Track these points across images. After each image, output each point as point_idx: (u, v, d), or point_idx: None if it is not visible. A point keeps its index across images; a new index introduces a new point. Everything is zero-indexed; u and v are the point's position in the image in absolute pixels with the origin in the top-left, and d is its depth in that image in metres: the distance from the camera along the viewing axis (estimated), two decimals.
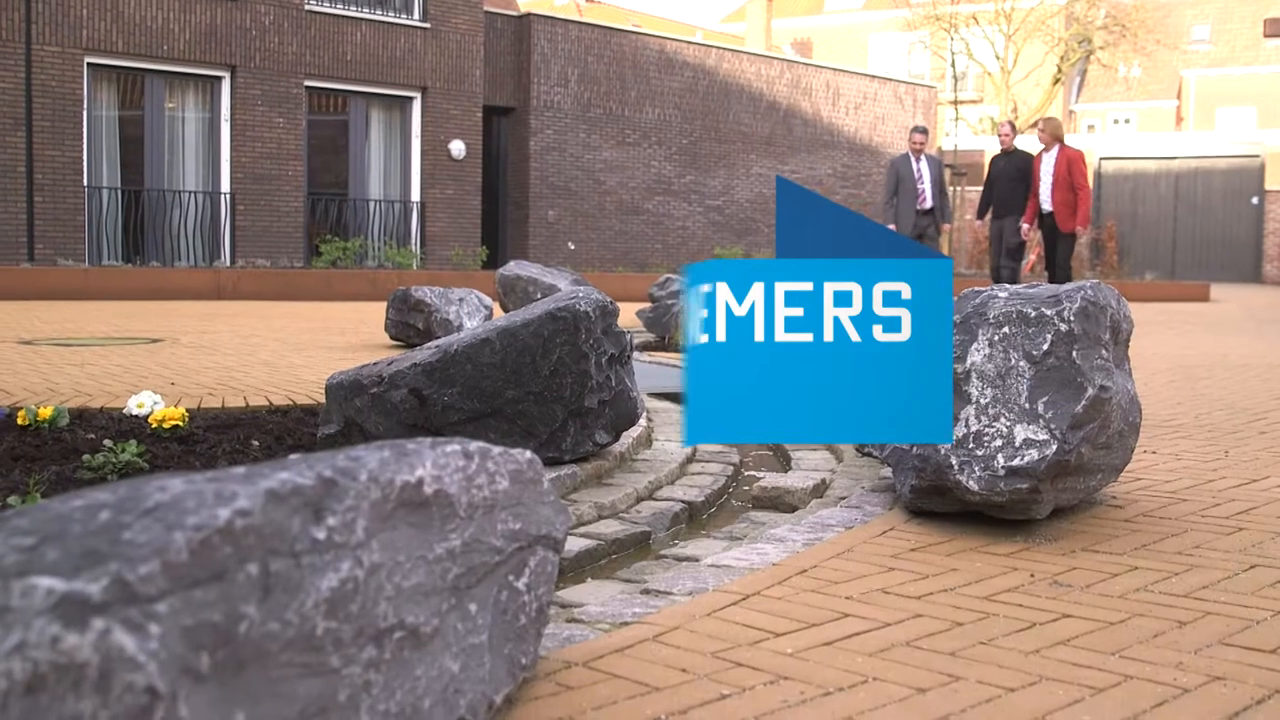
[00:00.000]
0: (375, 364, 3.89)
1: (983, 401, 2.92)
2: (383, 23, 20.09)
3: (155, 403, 4.46)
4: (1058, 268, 12.45)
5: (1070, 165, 12.24)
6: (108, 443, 3.71)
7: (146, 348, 7.61)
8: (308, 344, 8.13)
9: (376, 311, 11.86)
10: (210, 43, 18.30)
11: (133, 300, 14.35)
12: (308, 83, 19.34)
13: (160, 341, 8.13)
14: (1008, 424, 2.88)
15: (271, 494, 1.22)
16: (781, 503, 3.78)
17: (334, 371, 6.00)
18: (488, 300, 8.26)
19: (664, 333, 9.55)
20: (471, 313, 7.84)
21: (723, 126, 25.29)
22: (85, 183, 17.45)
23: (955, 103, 33.01)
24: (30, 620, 1.04)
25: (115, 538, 1.10)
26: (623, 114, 23.69)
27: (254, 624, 1.17)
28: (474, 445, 1.62)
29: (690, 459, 4.52)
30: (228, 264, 18.24)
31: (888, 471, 3.85)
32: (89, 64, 17.48)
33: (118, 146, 18.15)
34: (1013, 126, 13.33)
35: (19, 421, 4.22)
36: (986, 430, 2.90)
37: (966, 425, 2.93)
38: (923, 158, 13.49)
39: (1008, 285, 3.15)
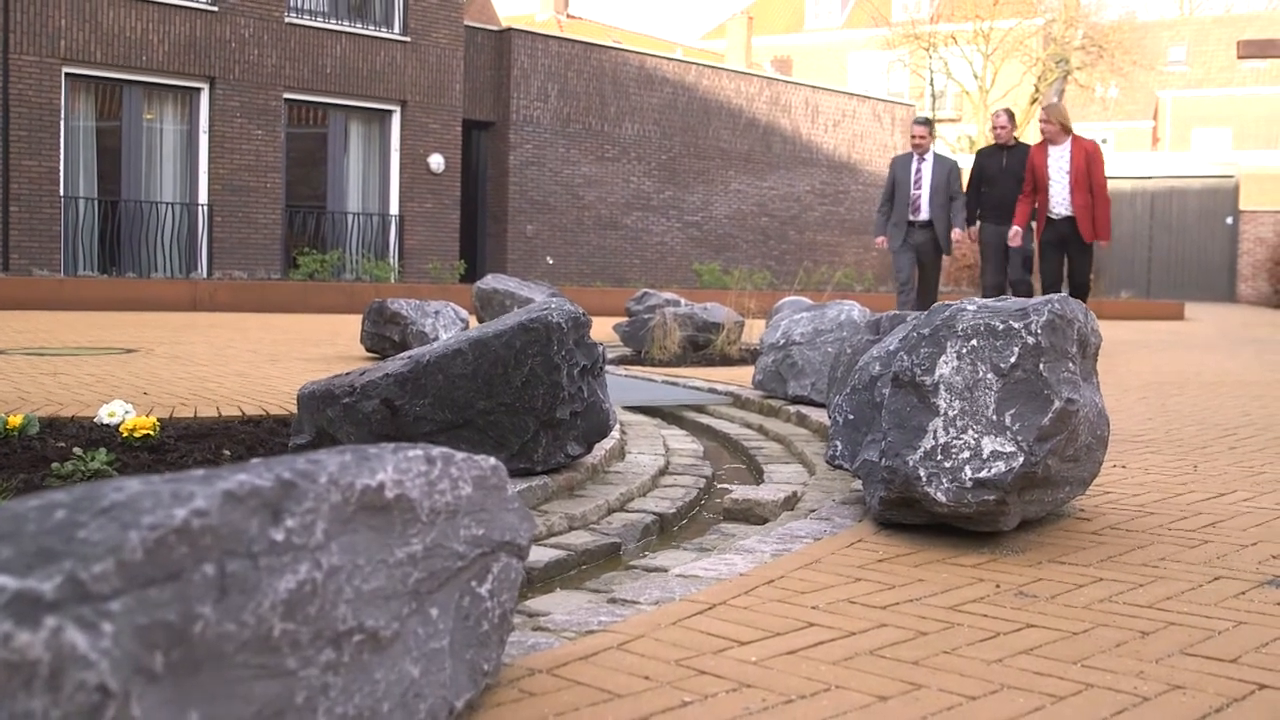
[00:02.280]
0: (347, 374, 3.89)
1: (950, 414, 2.94)
2: (363, 36, 20.09)
3: (126, 412, 4.44)
4: (1076, 287, 10.42)
5: (1090, 161, 10.18)
6: (77, 451, 3.70)
7: (120, 358, 7.58)
8: (283, 355, 8.11)
9: (353, 324, 11.85)
10: (189, 54, 18.27)
11: (108, 311, 14.30)
12: (287, 95, 19.32)
13: (134, 352, 8.10)
14: (975, 436, 2.90)
15: (229, 495, 1.23)
16: (752, 515, 3.79)
17: (308, 381, 5.99)
18: (464, 313, 8.25)
19: (640, 347, 9.56)
20: (448, 325, 7.83)
21: (702, 143, 25.35)
22: (62, 193, 17.39)
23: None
24: None
25: (70, 536, 1.10)
26: (602, 129, 23.72)
27: (210, 624, 1.17)
28: (436, 450, 1.63)
29: (663, 471, 4.53)
30: (204, 276, 18.18)
31: (857, 484, 3.87)
32: (67, 74, 17.43)
33: (95, 157, 18.09)
34: (1011, 116, 11.38)
35: None
36: (954, 442, 2.92)
37: (934, 437, 2.94)
38: (927, 158, 11.31)
39: (977, 300, 3.17)
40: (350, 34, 19.94)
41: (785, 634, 2.19)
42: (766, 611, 2.34)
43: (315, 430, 3.89)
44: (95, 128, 18.11)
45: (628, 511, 3.82)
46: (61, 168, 17.38)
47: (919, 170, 11.25)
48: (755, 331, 11.09)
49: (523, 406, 3.68)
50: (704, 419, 6.31)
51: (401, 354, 3.91)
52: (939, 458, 2.93)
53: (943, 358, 2.98)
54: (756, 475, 4.80)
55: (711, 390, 7.06)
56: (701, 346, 9.59)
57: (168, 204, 18.44)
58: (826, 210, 28.14)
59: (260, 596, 1.24)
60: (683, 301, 10.97)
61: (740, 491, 4.01)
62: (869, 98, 30.01)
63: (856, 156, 28.88)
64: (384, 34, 20.43)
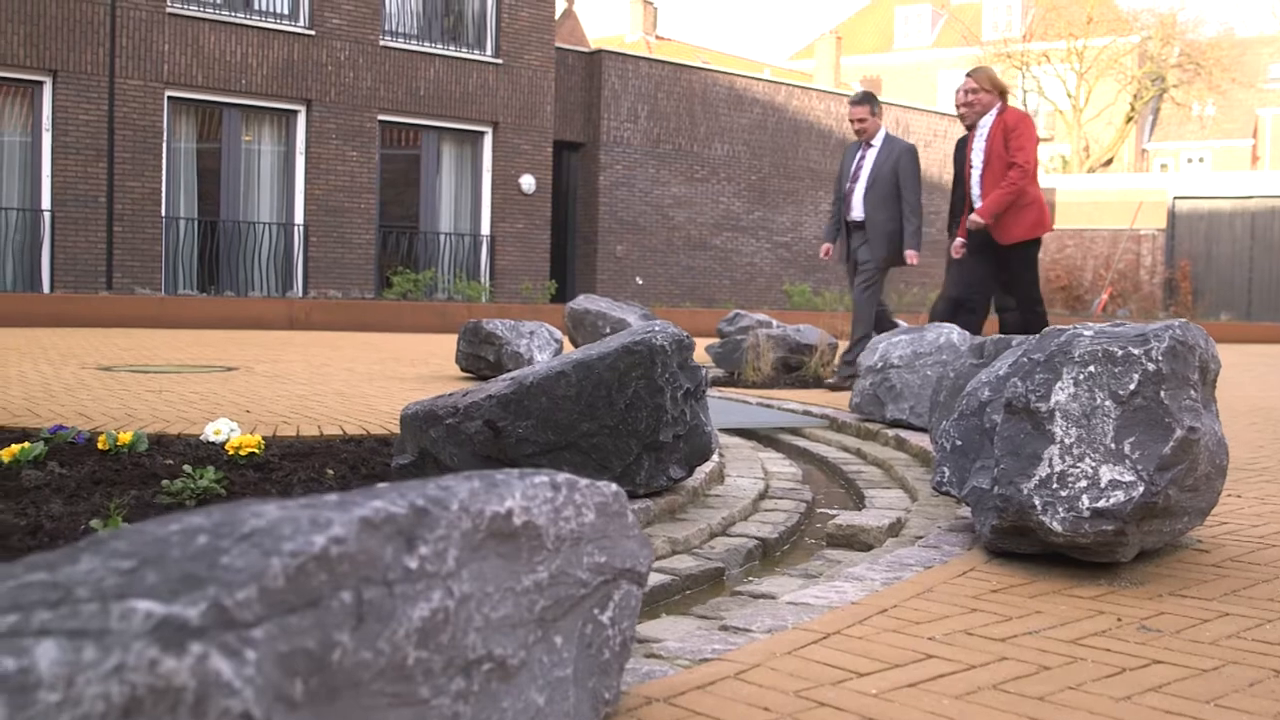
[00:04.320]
0: (450, 395, 3.90)
1: (1067, 441, 2.87)
2: (456, 58, 20.32)
3: (232, 430, 4.50)
4: (1022, 303, 7.80)
5: (1008, 136, 7.58)
6: (186, 468, 3.75)
7: (221, 376, 7.70)
8: (379, 374, 8.19)
9: (446, 343, 11.94)
10: (287, 77, 18.59)
11: (207, 329, 14.56)
12: (381, 117, 19.58)
13: (235, 370, 8.23)
14: (1093, 464, 2.83)
15: (366, 522, 1.22)
16: (856, 541, 3.74)
17: (406, 401, 6.04)
18: (558, 334, 8.27)
19: (733, 368, 9.52)
20: (542, 346, 7.85)
21: (791, 163, 25.27)
22: (163, 213, 17.76)
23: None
24: (129, 643, 1.04)
25: (213, 562, 1.10)
26: (691, 150, 23.75)
27: (347, 652, 1.17)
28: (561, 477, 1.61)
29: (763, 495, 4.49)
30: (300, 294, 18.46)
31: (964, 511, 3.80)
32: (169, 97, 17.82)
33: (195, 178, 18.46)
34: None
35: (99, 446, 4.28)
36: (1071, 470, 2.85)
37: (1050, 465, 2.88)
38: (873, 143, 8.83)
39: (1093, 325, 3.09)
40: (443, 56, 20.18)
41: (904, 666, 2.15)
42: (883, 642, 2.29)
43: (418, 450, 3.91)
44: (196, 149, 18.49)
45: (730, 536, 3.79)
46: (163, 189, 17.76)
47: (860, 160, 8.88)
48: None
49: (626, 429, 3.67)
50: (800, 442, 6.25)
51: (504, 375, 3.91)
52: (1054, 486, 2.86)
53: (1058, 384, 2.92)
54: (857, 500, 4.74)
55: (807, 413, 7.00)
56: (794, 368, 9.52)
57: (265, 224, 18.76)
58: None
59: (395, 624, 1.23)
60: (774, 323, 10.92)
61: (844, 517, 3.95)
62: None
63: (948, 177, 28.59)
64: (476, 56, 20.65)
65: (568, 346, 9.21)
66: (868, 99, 8.91)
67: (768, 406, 7.37)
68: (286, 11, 18.92)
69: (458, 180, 20.92)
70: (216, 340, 12.16)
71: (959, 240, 7.94)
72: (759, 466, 5.10)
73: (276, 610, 1.10)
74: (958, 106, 7.98)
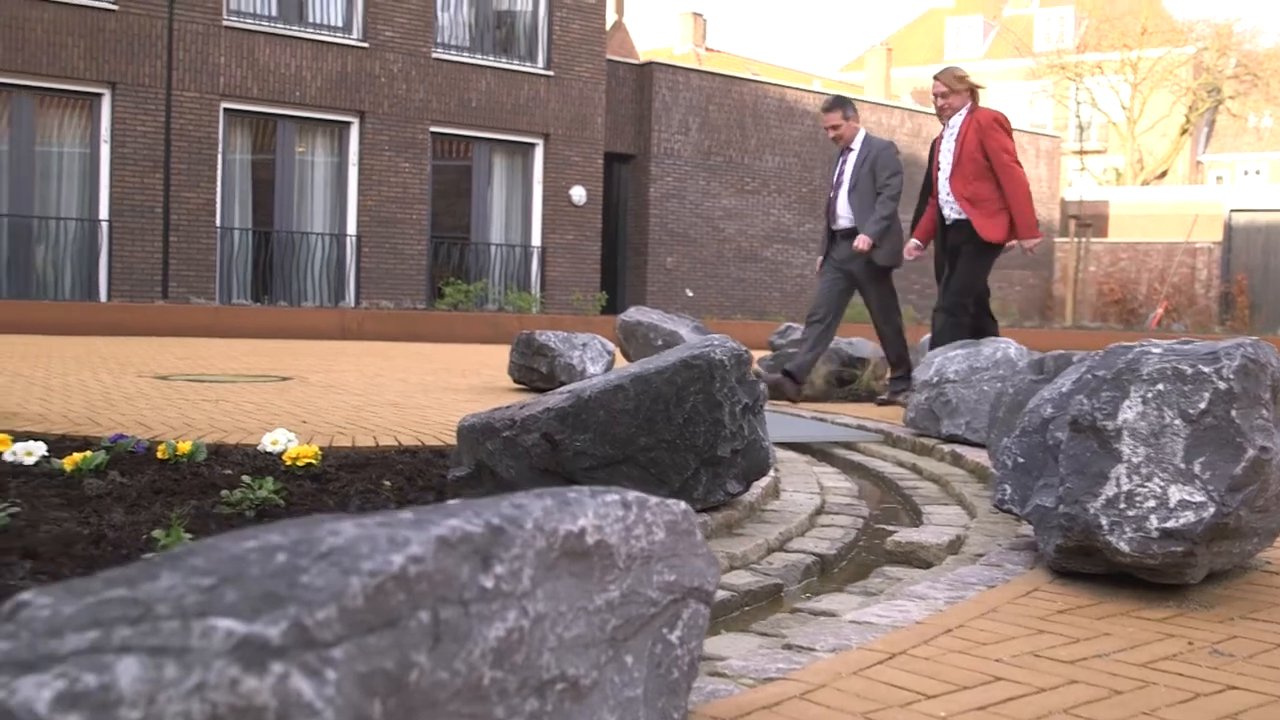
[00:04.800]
0: (507, 407, 3.90)
1: (1135, 460, 2.83)
2: (507, 70, 20.42)
3: (289, 440, 4.52)
4: (949, 294, 7.52)
5: (983, 135, 7.29)
6: (245, 479, 3.77)
7: (277, 385, 7.75)
8: (432, 385, 8.22)
9: (498, 354, 11.97)
10: (340, 89, 18.75)
11: (260, 339, 14.68)
12: (433, 128, 19.71)
13: (289, 380, 8.28)
14: (1161, 484, 2.78)
15: (443, 541, 1.21)
16: (916, 558, 3.70)
17: (460, 413, 6.05)
18: (610, 346, 8.27)
19: None
20: (595, 358, 7.86)
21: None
22: (218, 223, 17.95)
23: (1080, 153, 32.56)
24: (209, 661, 1.03)
25: (293, 581, 1.09)
26: (742, 162, 23.73)
27: (424, 672, 1.16)
28: (631, 495, 1.60)
29: (819, 510, 4.46)
30: (352, 305, 18.59)
31: (1025, 529, 3.75)
32: (225, 109, 18.01)
33: (250, 189, 18.65)
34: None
35: (158, 455, 4.31)
36: (1139, 490, 2.80)
37: (1117, 484, 2.83)
38: (853, 148, 8.36)
39: (1160, 342, 3.05)
40: (495, 68, 20.28)
41: (973, 688, 2.11)
42: (949, 663, 2.26)
43: (474, 463, 3.91)
44: (250, 161, 18.68)
45: (787, 551, 3.76)
46: (218, 199, 17.95)
47: (841, 167, 8.45)
48: None
49: (684, 443, 3.65)
50: (855, 456, 6.21)
51: (561, 388, 3.91)
52: (1122, 505, 2.82)
53: (1126, 402, 2.87)
54: (914, 516, 4.69)
55: (861, 427, 6.96)
56: (847, 382, 9.47)
57: (318, 235, 18.92)
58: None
59: (471, 645, 1.22)
60: None
61: (903, 534, 3.92)
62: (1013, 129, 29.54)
63: None
64: (528, 68, 20.73)
65: (619, 359, 9.20)
66: (839, 103, 8.49)
67: (821, 421, 7.33)
68: (340, 24, 19.09)
69: (509, 191, 21.01)
70: (270, 350, 12.26)
71: (913, 242, 7.88)
72: (814, 481, 5.07)
73: (356, 630, 1.09)
74: (941, 105, 7.66)
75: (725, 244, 23.51)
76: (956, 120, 7.48)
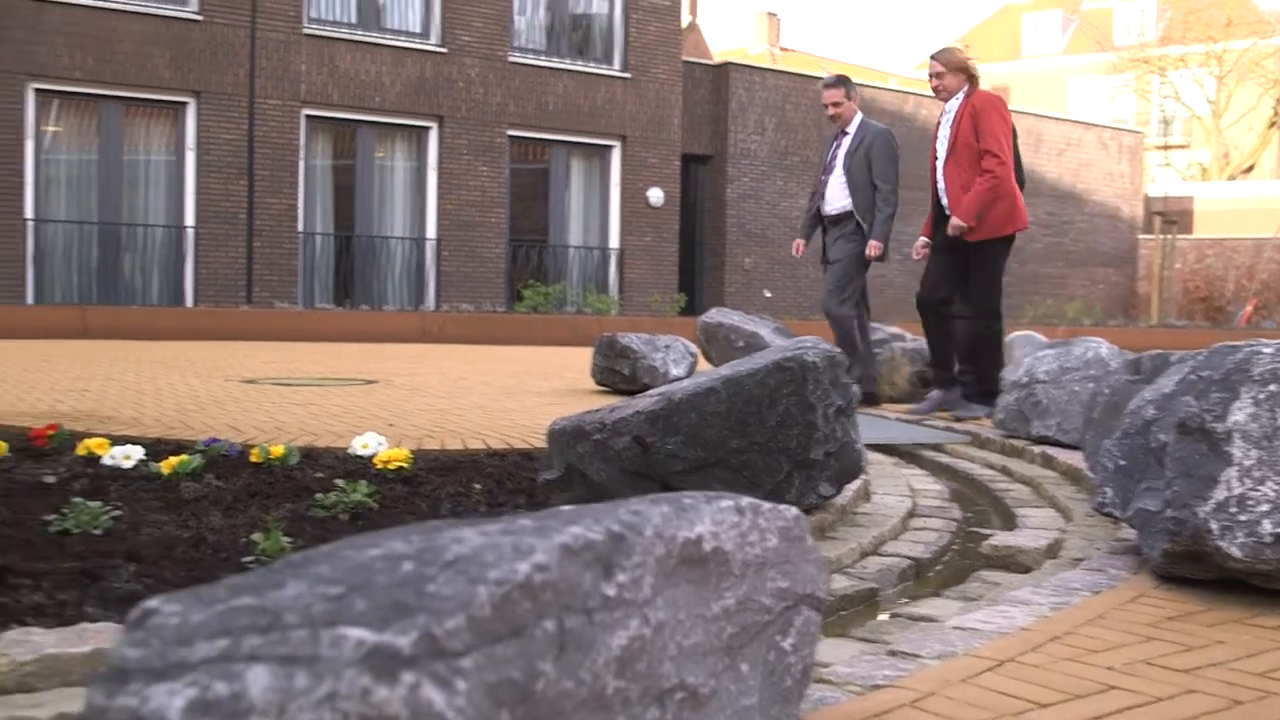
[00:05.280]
0: (597, 410, 3.89)
1: (1246, 464, 2.75)
2: (584, 73, 20.47)
3: (379, 444, 4.55)
4: (974, 302, 7.18)
5: (977, 120, 6.87)
6: (339, 482, 3.79)
7: (363, 389, 7.82)
8: (515, 388, 8.24)
9: (578, 357, 11.99)
10: (419, 94, 18.91)
11: (343, 342, 14.83)
12: (511, 132, 19.81)
13: (374, 383, 8.35)
14: (1276, 488, 2.71)
15: (566, 549, 1.20)
16: (1014, 562, 3.64)
17: (545, 416, 6.06)
18: (693, 348, 8.25)
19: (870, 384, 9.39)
20: (678, 360, 7.84)
21: (920, 173, 24.83)
22: (300, 229, 18.17)
23: (1164, 148, 32.02)
24: (340, 670, 1.03)
25: (420, 590, 1.08)
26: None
27: (550, 682, 1.14)
28: (745, 501, 1.58)
29: (911, 513, 4.40)
30: (432, 308, 18.73)
31: (1126, 532, 3.67)
32: (306, 116, 18.24)
33: (331, 194, 18.87)
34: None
35: (252, 459, 4.36)
36: (1251, 494, 2.73)
37: (1228, 488, 2.76)
38: (848, 130, 8.05)
39: (1267, 342, 2.97)
40: (572, 71, 20.34)
41: (1086, 697, 2.07)
42: (1060, 671, 2.21)
43: (565, 466, 3.91)
44: (331, 166, 18.89)
45: (881, 555, 3.72)
46: (300, 205, 18.17)
47: (835, 149, 8.14)
48: None
49: (776, 446, 3.62)
50: (943, 458, 6.13)
51: (651, 391, 3.90)
52: (1233, 510, 2.74)
53: (1236, 404, 2.80)
54: (1007, 519, 4.62)
55: (948, 428, 6.87)
56: (930, 382, 9.36)
57: (398, 239, 19.09)
58: (1050, 242, 27.36)
59: (595, 653, 1.21)
60: (908, 336, 10.76)
61: (999, 537, 3.86)
62: (1094, 125, 29.14)
63: (1082, 186, 28.03)
64: (604, 70, 20.78)
65: (701, 361, 9.17)
66: (842, 81, 8.15)
67: (906, 422, 7.25)
68: (419, 29, 19.25)
69: (586, 194, 21.06)
70: (353, 353, 12.38)
71: (921, 240, 7.43)
72: (904, 484, 5.01)
73: (484, 639, 1.08)
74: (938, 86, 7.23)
75: None
76: (953, 104, 7.08)
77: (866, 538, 3.79)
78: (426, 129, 19.26)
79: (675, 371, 7.78)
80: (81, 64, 16.75)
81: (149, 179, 17.58)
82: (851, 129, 8.05)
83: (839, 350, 3.79)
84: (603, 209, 21.07)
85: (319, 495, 3.73)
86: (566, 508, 1.45)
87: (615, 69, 20.91)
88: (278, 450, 4.38)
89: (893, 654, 2.37)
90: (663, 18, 21.25)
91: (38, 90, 16.70)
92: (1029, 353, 6.72)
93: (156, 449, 4.55)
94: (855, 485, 4.41)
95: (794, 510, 1.71)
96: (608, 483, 3.77)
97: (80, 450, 4.41)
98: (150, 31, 17.07)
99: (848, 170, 7.97)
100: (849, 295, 8.17)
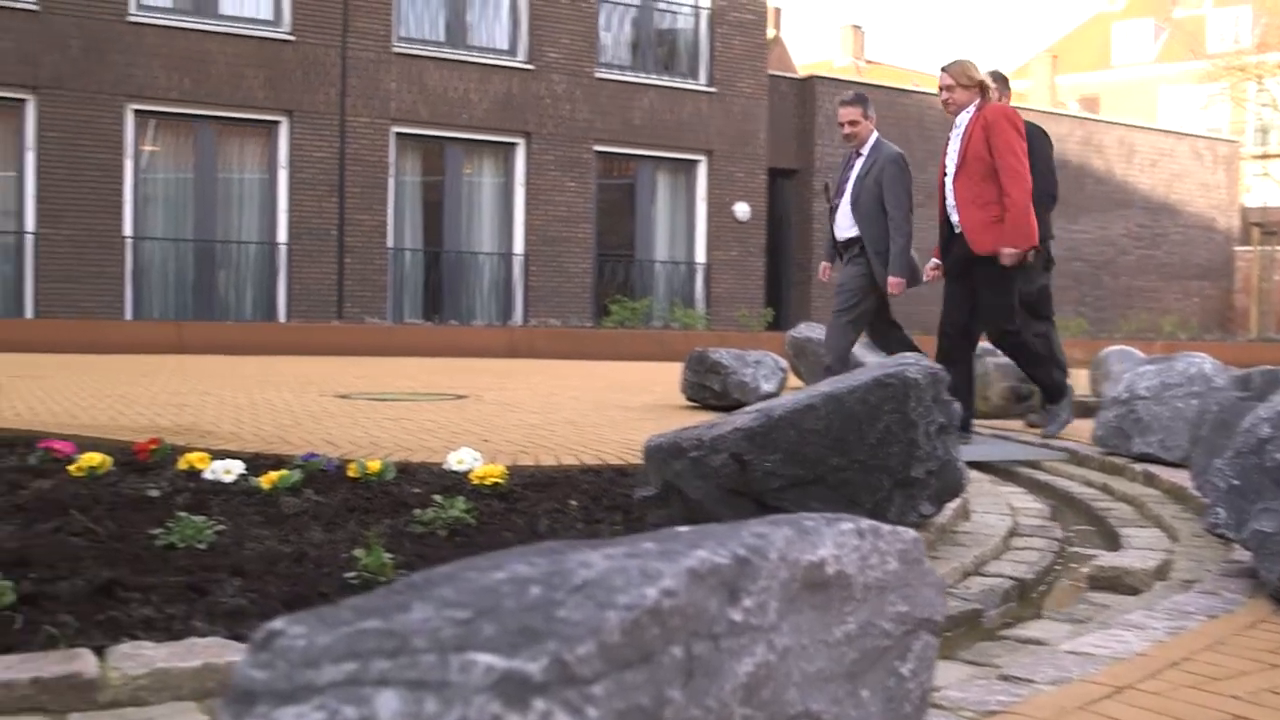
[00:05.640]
0: (695, 427, 3.87)
1: None
2: (670, 88, 20.50)
3: (474, 459, 4.57)
4: (985, 320, 6.87)
5: (990, 132, 6.56)
6: (437, 498, 3.80)
7: (454, 404, 7.87)
8: (605, 403, 8.25)
9: (666, 372, 11.98)
10: (506, 111, 19.05)
11: (432, 357, 14.96)
12: (597, 147, 19.88)
13: (465, 398, 8.40)
14: None
15: (693, 573, 1.18)
16: (1121, 584, 3.55)
17: (637, 431, 6.05)
18: (783, 363, 8.20)
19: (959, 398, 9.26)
20: (768, 375, 7.80)
21: None
22: (390, 244, 18.37)
23: (1261, 157, 31.34)
24: (470, 697, 1.01)
25: (549, 615, 1.07)
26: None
27: (679, 709, 1.12)
28: (865, 523, 1.55)
29: (1012, 532, 4.32)
30: (520, 323, 18.84)
31: (1238, 554, 3.57)
32: (396, 133, 18.45)
33: (420, 210, 19.06)
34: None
35: (349, 474, 4.39)
36: None
37: None
38: (863, 151, 7.62)
39: None
40: (658, 87, 20.38)
41: None
42: (1182, 699, 2.15)
43: (661, 483, 3.89)
44: (420, 183, 19.09)
45: (983, 575, 3.65)
46: (390, 221, 18.38)
47: (848, 171, 7.76)
48: (1079, 383, 10.60)
49: (877, 464, 3.57)
50: (1040, 475, 6.02)
51: (749, 407, 3.87)
52: None
53: None
54: (1110, 539, 4.52)
55: (1044, 445, 6.75)
56: (1024, 398, 9.21)
57: (485, 254, 19.24)
58: (1143, 254, 26.88)
59: (722, 680, 1.19)
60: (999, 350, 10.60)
61: (1105, 558, 3.77)
62: (1188, 135, 28.58)
63: (1175, 197, 27.50)
64: (690, 85, 20.79)
65: (791, 377, 9.11)
66: (860, 99, 7.73)
67: (1002, 438, 7.14)
68: (506, 47, 19.41)
69: (672, 208, 21.07)
70: (443, 368, 12.48)
71: (932, 261, 7.14)
72: (1003, 502, 4.92)
73: (614, 666, 1.06)
74: (948, 101, 6.89)
75: None
76: (963, 118, 6.76)
77: (968, 557, 3.73)
78: (514, 145, 19.39)
79: (766, 387, 7.73)
80: (178, 85, 17.10)
81: (243, 196, 17.89)
82: (865, 150, 7.65)
83: (940, 367, 3.73)
84: (689, 223, 21.06)
85: (417, 511, 3.75)
86: (683, 529, 1.43)
87: (701, 84, 20.91)
88: (375, 465, 4.41)
89: (1005, 679, 2.32)
90: (748, 32, 21.22)
91: (136, 111, 17.07)
92: (1128, 368, 6.59)
93: (256, 463, 4.60)
94: (954, 504, 4.34)
95: (912, 533, 1.67)
96: (704, 500, 3.74)
97: (182, 465, 4.48)
98: (244, 52, 17.38)
99: (856, 198, 7.61)
100: (855, 318, 7.69)
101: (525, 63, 19.31)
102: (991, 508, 4.73)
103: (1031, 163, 6.80)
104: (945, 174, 6.85)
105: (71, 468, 4.36)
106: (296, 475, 4.21)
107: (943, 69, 6.85)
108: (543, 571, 1.15)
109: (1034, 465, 6.27)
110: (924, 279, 7.28)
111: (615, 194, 20.71)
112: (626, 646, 1.08)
